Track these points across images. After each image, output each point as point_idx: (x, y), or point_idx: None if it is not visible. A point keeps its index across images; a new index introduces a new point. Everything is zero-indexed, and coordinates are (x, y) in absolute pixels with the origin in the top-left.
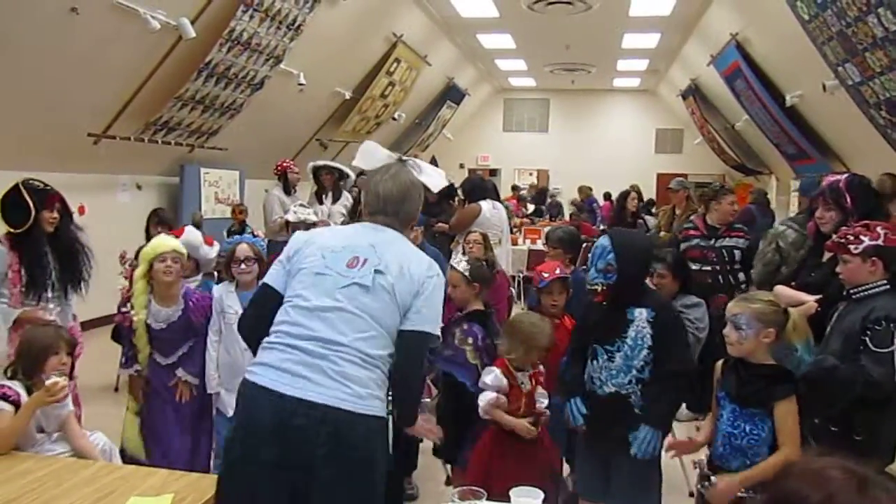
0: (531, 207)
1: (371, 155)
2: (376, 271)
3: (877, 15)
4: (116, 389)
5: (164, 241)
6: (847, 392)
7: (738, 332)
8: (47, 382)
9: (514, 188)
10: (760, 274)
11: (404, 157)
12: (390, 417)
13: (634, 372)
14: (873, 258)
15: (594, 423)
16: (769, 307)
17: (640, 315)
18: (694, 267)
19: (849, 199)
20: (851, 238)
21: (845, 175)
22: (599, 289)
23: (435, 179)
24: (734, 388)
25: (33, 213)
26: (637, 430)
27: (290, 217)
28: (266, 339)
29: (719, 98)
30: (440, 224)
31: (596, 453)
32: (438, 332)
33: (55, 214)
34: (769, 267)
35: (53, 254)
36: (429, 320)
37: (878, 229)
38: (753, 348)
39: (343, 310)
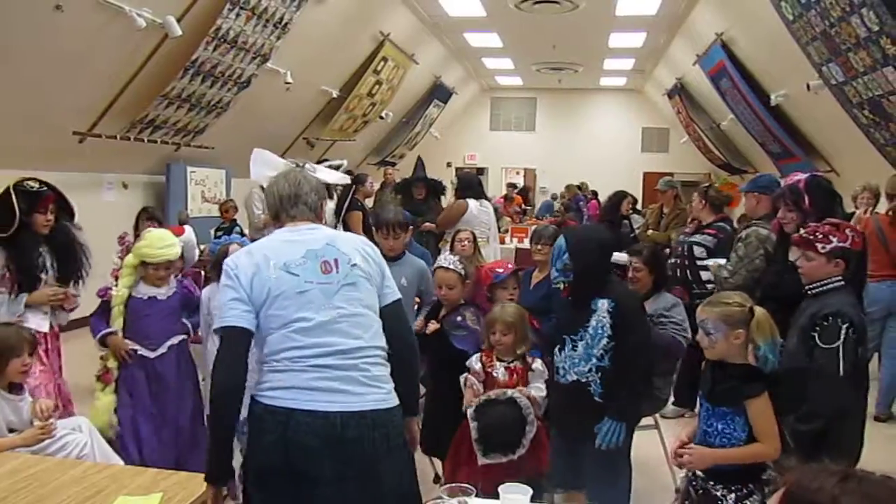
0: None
1: (265, 163)
2: (351, 266)
3: (860, 15)
4: None
5: (159, 251)
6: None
7: (708, 337)
8: (40, 424)
9: (512, 186)
10: (745, 280)
11: (300, 163)
12: None
13: (594, 360)
14: (837, 259)
15: (559, 412)
16: (733, 308)
17: (602, 306)
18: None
19: (807, 201)
20: (820, 237)
21: (805, 176)
22: (562, 286)
23: (329, 175)
24: (707, 387)
25: (17, 219)
26: (601, 423)
27: None
28: (271, 363)
29: (705, 97)
30: (427, 224)
31: (564, 443)
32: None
33: (49, 216)
34: (755, 274)
35: (50, 253)
36: (394, 289)
37: (847, 231)
38: (725, 350)
39: (348, 315)
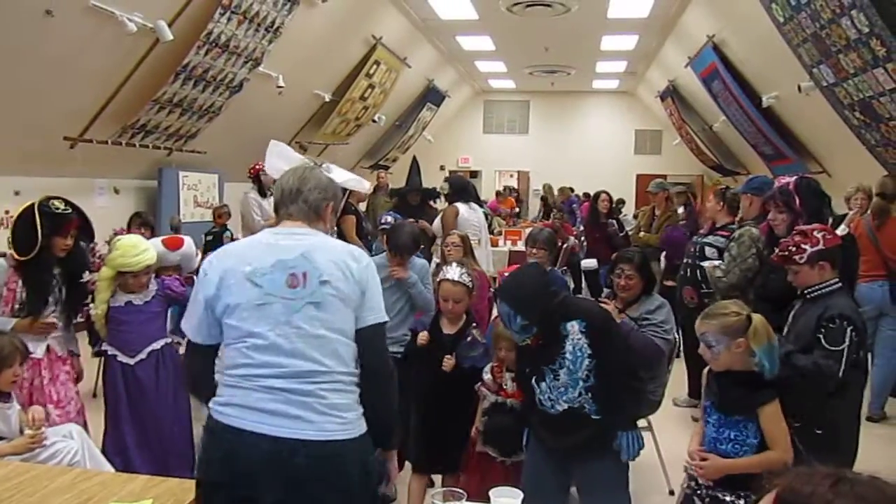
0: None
1: (281, 156)
2: (321, 282)
3: (850, 17)
4: (95, 395)
5: (136, 259)
6: (819, 388)
7: (710, 350)
8: (30, 433)
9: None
10: (739, 279)
11: (317, 162)
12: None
13: (581, 383)
14: (820, 262)
15: (550, 437)
16: (731, 318)
17: (573, 328)
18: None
19: (797, 201)
20: (794, 249)
21: (794, 178)
22: (531, 341)
23: (342, 175)
24: (716, 396)
25: (39, 242)
26: (618, 439)
27: None
28: (225, 377)
29: (697, 99)
30: (422, 223)
31: (550, 468)
32: (387, 317)
33: (69, 241)
34: (748, 273)
35: (62, 277)
36: (377, 310)
37: (816, 234)
38: (730, 361)
39: (308, 336)
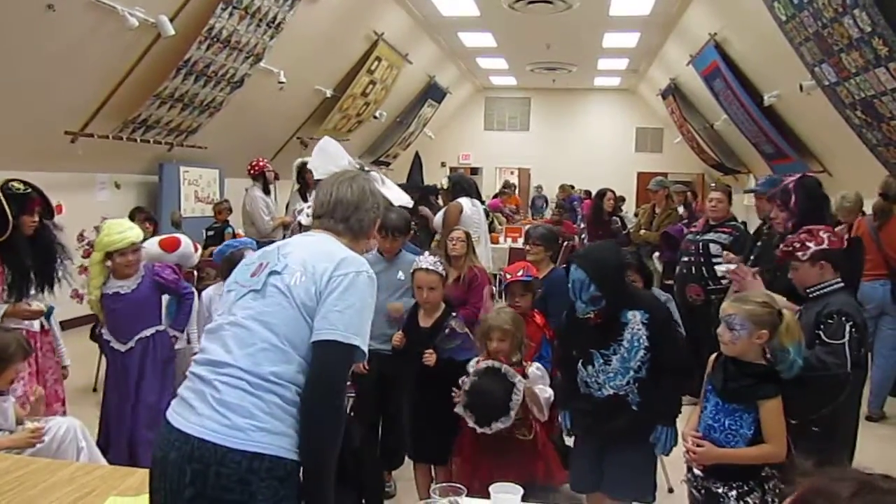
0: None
1: (330, 155)
2: (270, 273)
3: (852, 16)
4: (95, 389)
5: (121, 235)
6: (836, 392)
7: (731, 333)
8: (31, 425)
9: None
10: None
11: (367, 168)
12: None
13: (632, 373)
14: (821, 262)
15: (591, 422)
16: (763, 308)
17: (635, 317)
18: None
19: (793, 200)
20: (798, 245)
21: (797, 177)
22: (592, 315)
23: (396, 193)
24: (720, 383)
25: (11, 222)
26: (657, 433)
27: (304, 220)
28: None
29: (698, 97)
30: (423, 208)
31: (589, 448)
32: (356, 342)
33: (35, 218)
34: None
35: (33, 255)
36: (338, 327)
37: (822, 234)
38: (746, 348)
39: (235, 324)
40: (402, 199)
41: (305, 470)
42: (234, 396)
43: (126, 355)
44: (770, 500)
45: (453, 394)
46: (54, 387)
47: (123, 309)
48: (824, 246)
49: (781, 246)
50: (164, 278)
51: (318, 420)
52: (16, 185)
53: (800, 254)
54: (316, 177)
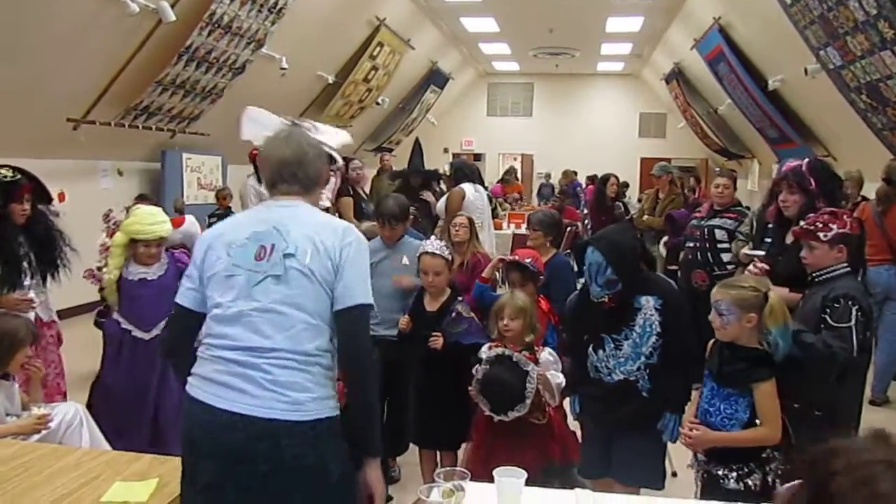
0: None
1: (259, 122)
2: (285, 255)
3: None
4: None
5: (151, 228)
6: (827, 369)
7: (720, 318)
8: (38, 411)
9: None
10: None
11: (296, 121)
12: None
13: (643, 358)
14: (840, 245)
15: (600, 407)
16: (749, 292)
17: (648, 303)
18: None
19: (812, 182)
20: (820, 226)
21: (806, 160)
22: (607, 299)
23: (332, 136)
24: (716, 367)
25: None
26: (664, 420)
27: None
28: (200, 348)
29: (702, 82)
30: (426, 192)
31: (598, 434)
32: (371, 300)
33: (25, 206)
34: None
35: (29, 243)
36: (358, 292)
37: (845, 217)
38: (737, 332)
39: (263, 310)
40: (338, 139)
41: (360, 417)
42: (286, 375)
43: (149, 343)
44: (771, 480)
45: (470, 389)
46: (56, 380)
47: (150, 296)
48: (846, 230)
49: (802, 223)
50: (184, 264)
51: (363, 372)
52: (2, 172)
53: (821, 234)
54: (256, 145)
